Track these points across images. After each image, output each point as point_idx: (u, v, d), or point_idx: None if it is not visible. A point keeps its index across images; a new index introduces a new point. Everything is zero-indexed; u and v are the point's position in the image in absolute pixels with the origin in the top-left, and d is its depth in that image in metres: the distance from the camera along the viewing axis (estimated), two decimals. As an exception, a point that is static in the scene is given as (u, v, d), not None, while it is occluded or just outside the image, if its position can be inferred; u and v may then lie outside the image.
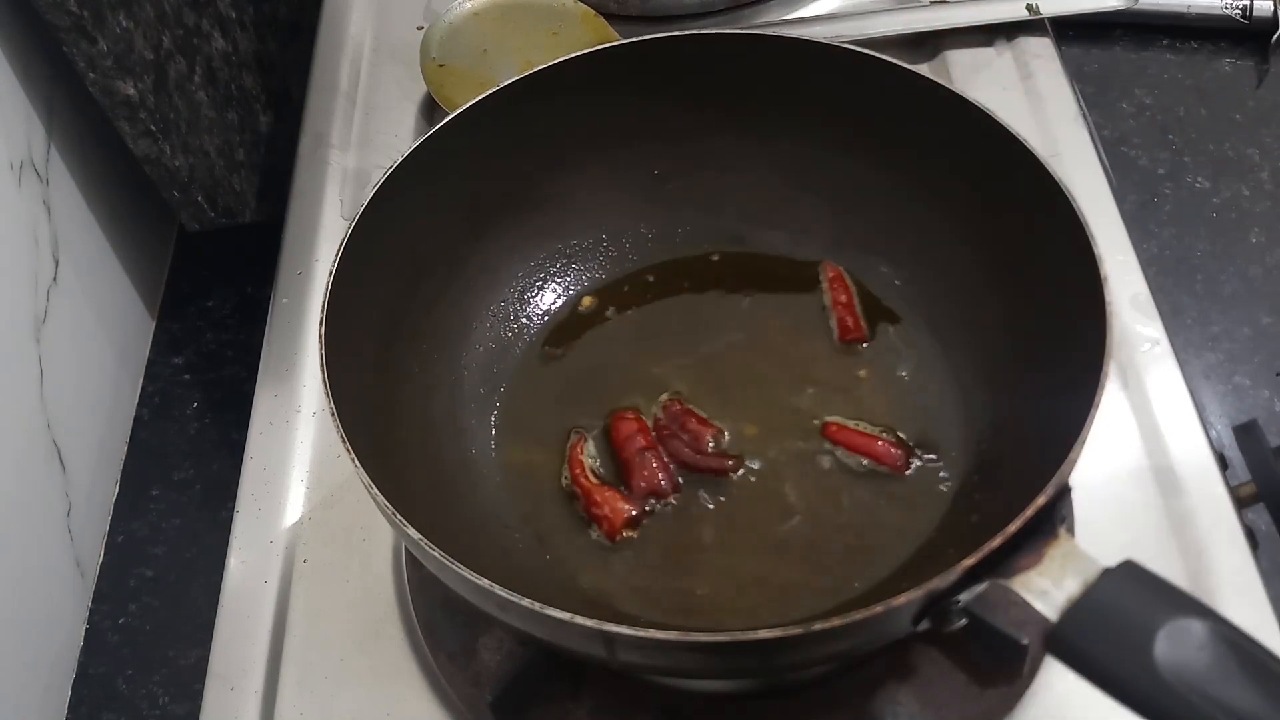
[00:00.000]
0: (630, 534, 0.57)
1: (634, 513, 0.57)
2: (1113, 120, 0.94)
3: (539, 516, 0.59)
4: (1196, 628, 0.38)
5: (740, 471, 0.59)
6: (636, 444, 0.59)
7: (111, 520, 0.77)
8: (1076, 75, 0.82)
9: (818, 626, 0.41)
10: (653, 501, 0.58)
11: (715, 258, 0.68)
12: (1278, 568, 0.65)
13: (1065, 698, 0.53)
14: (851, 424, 0.59)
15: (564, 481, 0.59)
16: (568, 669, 0.55)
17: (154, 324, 0.87)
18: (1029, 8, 0.83)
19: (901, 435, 0.59)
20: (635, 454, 0.58)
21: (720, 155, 0.66)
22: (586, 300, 0.67)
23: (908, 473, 0.57)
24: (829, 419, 0.60)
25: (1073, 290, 0.50)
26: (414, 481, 0.54)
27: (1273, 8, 0.95)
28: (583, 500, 0.58)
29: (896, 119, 0.60)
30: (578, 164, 0.65)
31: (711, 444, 0.59)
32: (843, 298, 0.64)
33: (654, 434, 0.60)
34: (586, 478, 0.58)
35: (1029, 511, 0.42)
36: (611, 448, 0.60)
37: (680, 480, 0.58)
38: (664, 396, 0.62)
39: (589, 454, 0.59)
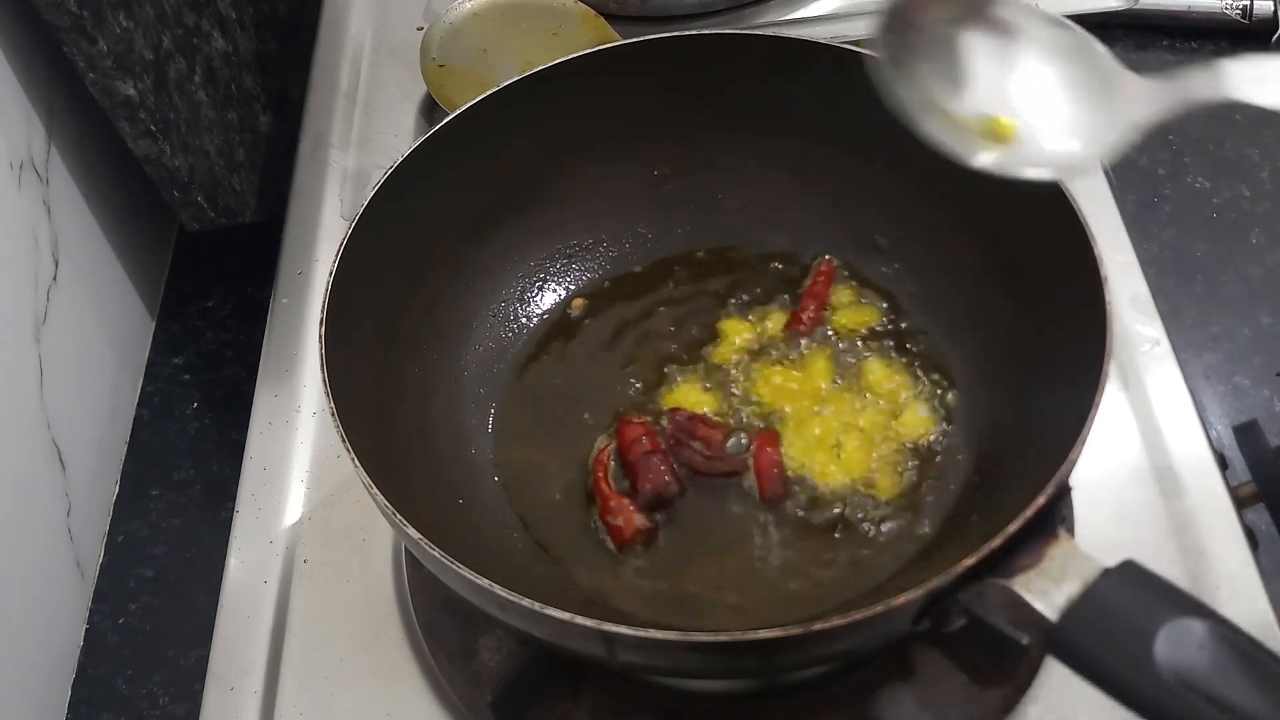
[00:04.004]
0: (639, 547, 0.56)
1: (646, 526, 0.57)
2: (1113, 120, 0.93)
3: (538, 516, 0.59)
4: (1196, 628, 0.38)
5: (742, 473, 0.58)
6: (642, 448, 0.58)
7: (111, 520, 0.77)
8: (1076, 75, 0.82)
9: (818, 626, 0.41)
10: (659, 512, 0.57)
11: (714, 258, 0.68)
12: (1278, 568, 0.65)
13: (1065, 698, 0.53)
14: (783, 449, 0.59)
15: (587, 482, 0.59)
16: (568, 669, 0.55)
17: (154, 324, 0.87)
18: (1029, 8, 0.82)
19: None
20: (640, 457, 0.58)
21: (720, 155, 0.66)
22: (581, 301, 0.67)
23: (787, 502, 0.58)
24: (763, 428, 0.59)
25: (1073, 290, 0.50)
26: (414, 481, 0.54)
27: (1273, 8, 0.95)
28: (599, 505, 0.58)
29: (897, 119, 0.60)
30: (577, 164, 0.65)
31: (730, 442, 0.59)
32: (819, 291, 0.64)
33: (664, 445, 0.59)
34: (607, 483, 0.58)
35: (1029, 511, 0.42)
36: (618, 452, 0.60)
37: (686, 484, 0.58)
38: (667, 409, 0.61)
39: (614, 459, 0.59)
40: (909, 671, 0.54)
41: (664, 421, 0.60)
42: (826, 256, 0.66)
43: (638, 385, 0.63)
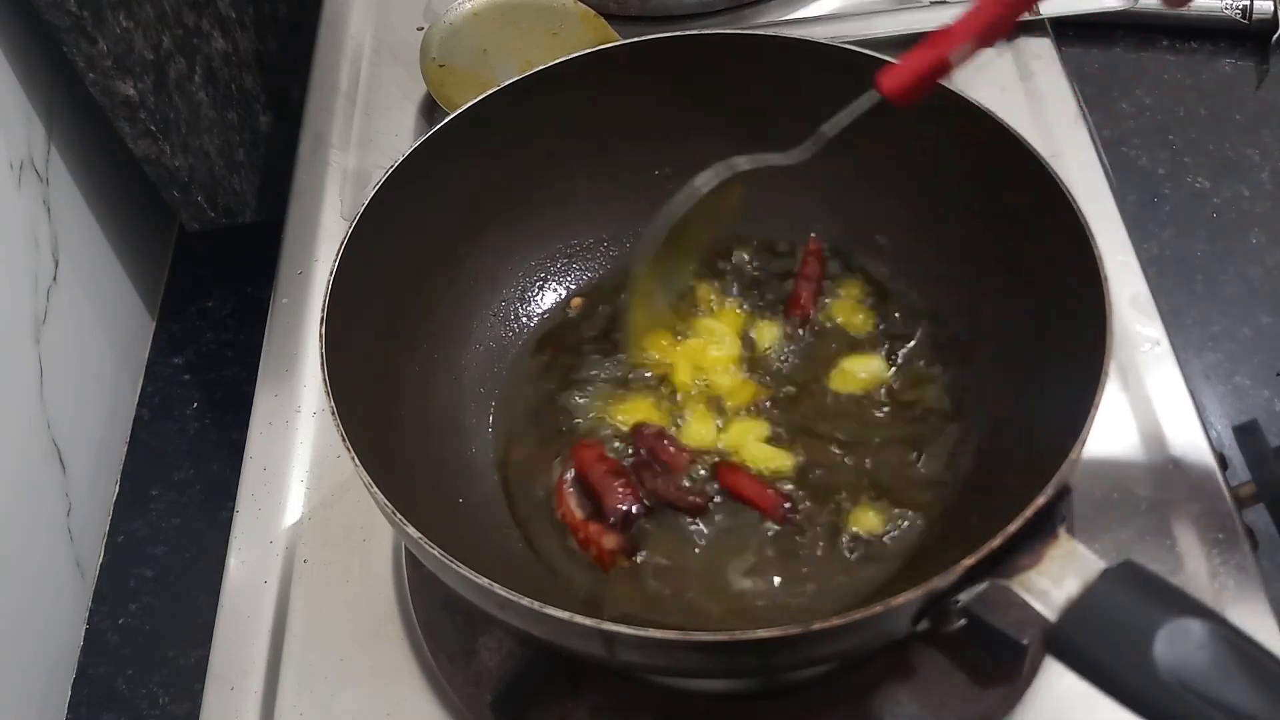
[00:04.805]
0: (624, 563, 0.56)
1: (619, 546, 0.56)
2: (1113, 120, 0.94)
3: (538, 515, 0.59)
4: (1196, 628, 0.38)
5: (708, 509, 0.57)
6: (601, 469, 0.58)
7: (111, 520, 0.77)
8: (1076, 75, 0.82)
9: (817, 626, 0.41)
10: (629, 514, 0.57)
11: (715, 257, 0.68)
12: (1278, 568, 0.65)
13: (1065, 698, 0.53)
14: (750, 469, 0.58)
15: (556, 515, 0.58)
16: (568, 669, 0.55)
17: (154, 324, 0.87)
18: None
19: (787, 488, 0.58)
20: (602, 477, 0.58)
21: (720, 155, 0.66)
22: (580, 300, 0.67)
23: (789, 520, 0.57)
24: (719, 461, 0.59)
25: (1073, 290, 0.50)
26: (414, 481, 0.54)
27: (1273, 8, 0.95)
28: (570, 534, 0.57)
29: (897, 119, 0.60)
30: (578, 164, 0.65)
31: (687, 476, 0.58)
32: (811, 272, 0.64)
33: (632, 458, 0.59)
34: (572, 512, 0.58)
35: (1029, 511, 0.42)
36: (578, 477, 0.59)
37: (651, 501, 0.58)
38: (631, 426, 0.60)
39: (574, 485, 0.59)
40: (909, 671, 0.54)
41: (629, 444, 0.59)
42: (813, 235, 0.66)
43: (638, 385, 0.63)
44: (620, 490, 0.57)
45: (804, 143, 0.53)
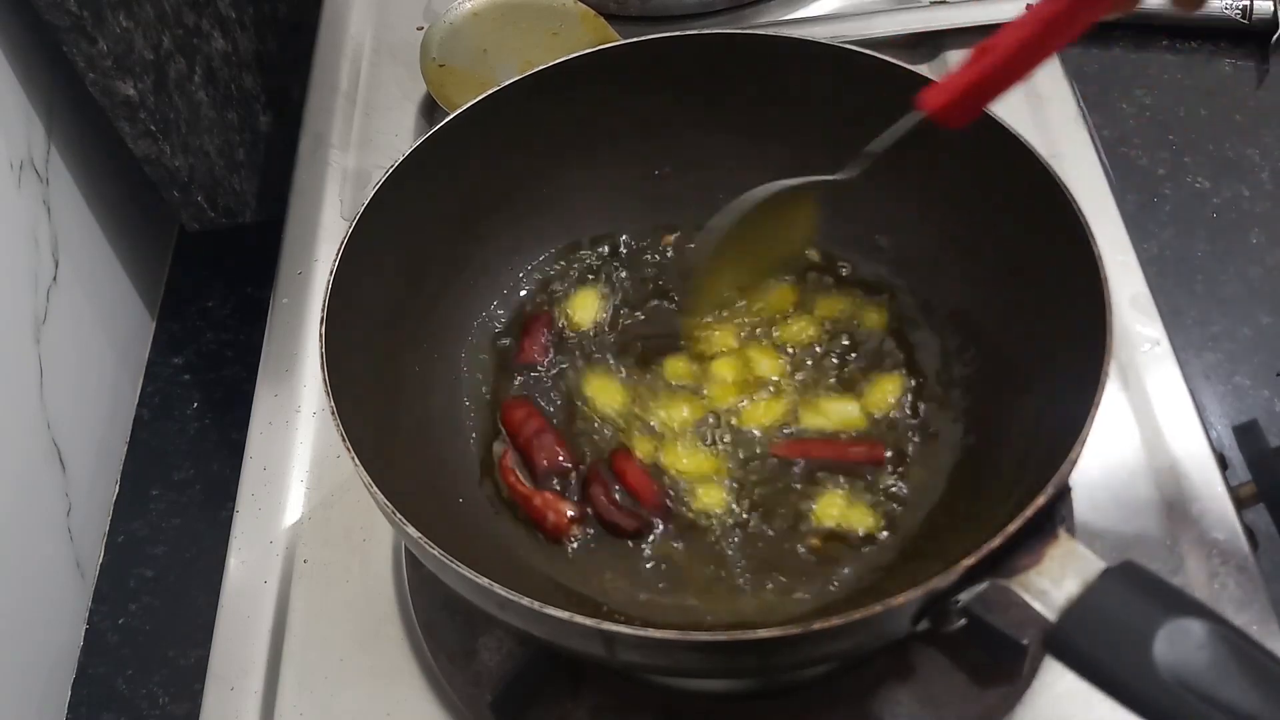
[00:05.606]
0: (576, 533, 0.56)
1: (577, 513, 0.56)
2: (1113, 120, 0.94)
3: (539, 516, 0.59)
4: (1196, 628, 0.38)
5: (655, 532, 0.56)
6: (530, 427, 0.59)
7: (111, 520, 0.77)
8: (1076, 75, 0.82)
9: (817, 626, 0.41)
10: (556, 480, 0.57)
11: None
12: (1278, 568, 0.65)
13: (1065, 698, 0.53)
14: (815, 434, 0.58)
15: (502, 492, 0.58)
16: (568, 669, 0.55)
17: (154, 324, 0.87)
18: (1029, 8, 0.82)
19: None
20: (531, 436, 0.58)
21: (720, 155, 0.66)
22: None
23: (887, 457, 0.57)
24: (775, 441, 0.59)
25: (1073, 290, 0.50)
26: (414, 480, 0.54)
27: (1273, 8, 0.95)
28: (521, 506, 0.57)
29: (896, 119, 0.60)
30: (578, 164, 0.65)
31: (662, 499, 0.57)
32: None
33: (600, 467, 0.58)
34: (522, 484, 0.58)
35: (1029, 511, 0.42)
36: (507, 434, 0.59)
37: (578, 457, 0.58)
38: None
39: (516, 461, 0.59)
40: (909, 671, 0.54)
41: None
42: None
43: (636, 384, 0.63)
44: (547, 447, 0.57)
45: (850, 163, 0.53)
